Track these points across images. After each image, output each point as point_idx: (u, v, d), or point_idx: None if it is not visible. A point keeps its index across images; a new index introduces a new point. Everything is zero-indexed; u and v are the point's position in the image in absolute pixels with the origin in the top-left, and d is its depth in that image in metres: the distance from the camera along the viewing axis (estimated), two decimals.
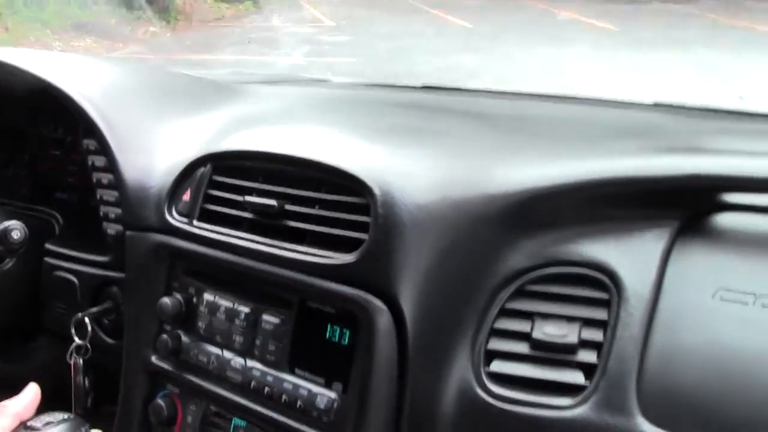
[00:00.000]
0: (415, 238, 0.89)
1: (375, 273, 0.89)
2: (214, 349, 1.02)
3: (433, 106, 1.47)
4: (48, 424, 0.89)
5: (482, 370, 0.89)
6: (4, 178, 1.52)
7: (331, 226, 0.94)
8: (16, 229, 1.16)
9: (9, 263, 1.28)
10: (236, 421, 1.00)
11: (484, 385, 0.87)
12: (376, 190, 0.90)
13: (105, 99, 1.21)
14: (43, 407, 0.93)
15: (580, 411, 0.81)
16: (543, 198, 0.91)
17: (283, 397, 0.94)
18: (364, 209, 0.91)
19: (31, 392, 0.95)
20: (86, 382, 1.20)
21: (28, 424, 0.90)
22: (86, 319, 1.20)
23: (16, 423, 0.89)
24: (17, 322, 1.33)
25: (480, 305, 0.91)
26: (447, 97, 1.65)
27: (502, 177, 0.93)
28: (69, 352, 1.19)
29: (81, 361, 1.19)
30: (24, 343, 1.36)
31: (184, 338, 1.05)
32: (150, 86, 1.35)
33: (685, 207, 0.89)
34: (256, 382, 0.97)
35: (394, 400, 0.89)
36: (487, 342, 0.89)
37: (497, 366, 0.88)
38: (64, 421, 0.91)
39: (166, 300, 1.04)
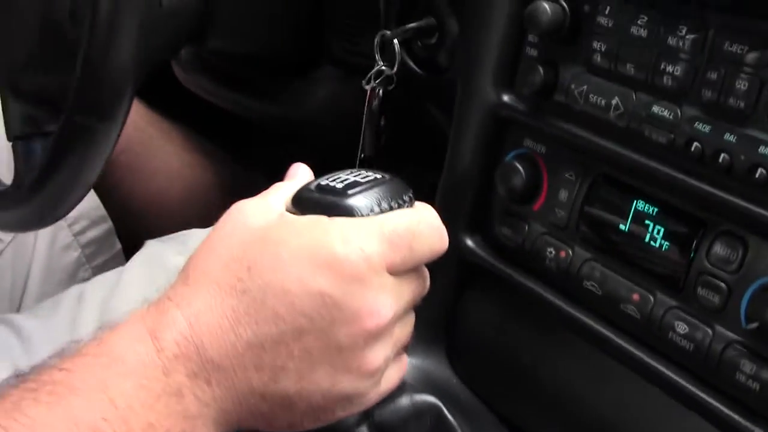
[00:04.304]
0: None
1: None
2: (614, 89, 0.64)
3: None
4: (353, 184, 0.57)
5: None
6: None
7: None
8: None
9: None
10: (639, 204, 0.64)
11: None
12: None
13: None
14: None
15: None
16: None
17: None
18: None
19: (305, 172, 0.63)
20: (383, 119, 0.88)
21: (323, 183, 0.58)
22: (395, 41, 0.85)
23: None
24: (299, 49, 1.04)
25: None
26: None
27: None
28: (367, 77, 0.86)
29: (381, 91, 0.87)
30: (304, 76, 1.07)
31: (564, 70, 0.67)
32: None
33: None
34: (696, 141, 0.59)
35: None
36: None
37: None
38: (378, 182, 0.58)
39: (543, 5, 0.65)
